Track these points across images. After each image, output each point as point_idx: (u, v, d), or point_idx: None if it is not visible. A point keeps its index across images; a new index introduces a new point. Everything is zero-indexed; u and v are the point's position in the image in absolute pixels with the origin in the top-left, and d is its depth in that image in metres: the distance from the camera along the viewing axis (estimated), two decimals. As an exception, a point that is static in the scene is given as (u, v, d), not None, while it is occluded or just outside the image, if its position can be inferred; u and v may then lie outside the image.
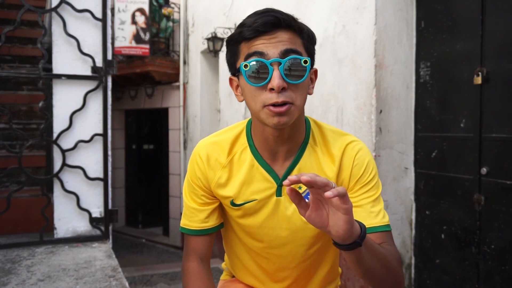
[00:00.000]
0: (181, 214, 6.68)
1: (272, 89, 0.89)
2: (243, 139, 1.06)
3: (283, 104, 0.90)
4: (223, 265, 1.30)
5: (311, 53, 0.97)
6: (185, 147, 6.50)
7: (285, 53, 0.89)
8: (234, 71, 0.98)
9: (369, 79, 2.72)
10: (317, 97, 3.19)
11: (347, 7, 2.87)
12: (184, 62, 6.48)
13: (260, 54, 0.90)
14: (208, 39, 4.93)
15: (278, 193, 1.03)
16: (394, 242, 1.02)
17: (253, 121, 1.04)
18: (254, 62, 0.90)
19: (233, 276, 1.27)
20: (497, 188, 2.28)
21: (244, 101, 1.00)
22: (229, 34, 4.95)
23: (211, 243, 1.13)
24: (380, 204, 1.03)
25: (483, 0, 2.34)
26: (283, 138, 0.99)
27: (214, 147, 1.06)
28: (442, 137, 2.63)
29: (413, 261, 2.87)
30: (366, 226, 0.97)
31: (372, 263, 0.87)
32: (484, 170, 2.33)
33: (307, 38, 0.96)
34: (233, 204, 1.05)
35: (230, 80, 1.02)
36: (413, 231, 2.85)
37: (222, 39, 4.88)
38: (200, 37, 5.55)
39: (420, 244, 2.81)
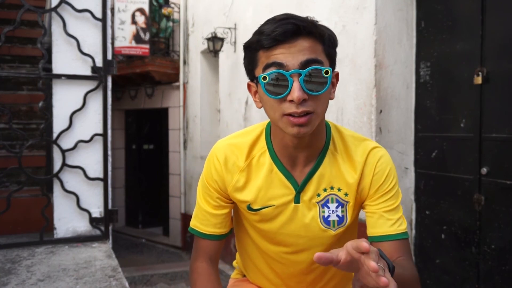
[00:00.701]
0: (181, 214, 6.66)
1: (291, 101, 0.87)
2: (262, 142, 1.04)
3: (303, 114, 0.88)
4: (234, 263, 1.29)
5: (332, 58, 0.94)
6: (185, 147, 6.50)
7: (305, 64, 0.87)
8: (252, 77, 0.96)
9: (369, 79, 2.72)
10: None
11: (347, 7, 2.87)
12: (184, 62, 6.48)
13: (279, 65, 0.87)
14: (208, 39, 4.93)
15: (296, 200, 1.01)
16: (410, 251, 1.01)
17: (272, 127, 1.02)
18: (273, 74, 0.87)
19: (244, 276, 1.25)
20: (497, 188, 2.28)
21: (261, 108, 0.97)
22: (230, 34, 4.94)
23: (221, 247, 1.12)
24: (399, 212, 1.01)
25: (483, 0, 2.34)
26: (303, 145, 0.98)
27: (233, 149, 1.04)
28: (442, 137, 2.63)
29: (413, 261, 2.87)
30: (382, 234, 0.98)
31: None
32: (484, 170, 2.33)
33: (328, 43, 0.93)
34: (250, 208, 1.03)
35: (248, 86, 1.00)
36: (413, 231, 2.85)
37: (222, 39, 4.88)
38: (200, 37, 5.55)
39: (420, 244, 2.81)
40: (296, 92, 0.85)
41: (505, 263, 2.24)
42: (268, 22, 0.91)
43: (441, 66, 2.64)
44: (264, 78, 0.87)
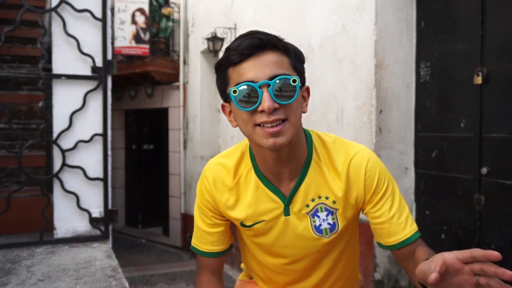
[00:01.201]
0: (181, 214, 6.67)
1: (263, 111, 0.88)
2: (247, 160, 1.05)
3: (276, 124, 0.89)
4: (242, 265, 1.31)
5: (300, 72, 0.96)
6: (185, 147, 6.50)
7: (273, 78, 0.89)
8: (226, 97, 0.97)
9: (369, 79, 2.72)
10: (317, 97, 3.19)
11: (347, 7, 2.87)
12: (184, 62, 6.48)
13: (248, 79, 0.89)
14: (208, 39, 4.93)
15: (286, 212, 1.02)
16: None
17: (251, 145, 1.03)
18: (243, 87, 0.89)
19: (251, 278, 1.27)
20: (497, 188, 2.28)
21: (237, 127, 0.98)
22: (230, 34, 4.92)
23: (222, 262, 1.15)
24: (405, 210, 1.01)
25: (483, 0, 2.34)
26: (283, 159, 0.98)
27: (221, 169, 1.06)
28: (442, 137, 2.63)
29: None
30: (400, 241, 0.98)
31: None
32: (484, 170, 2.33)
33: (294, 57, 0.94)
34: (243, 225, 1.06)
35: (223, 106, 1.01)
36: (413, 231, 2.85)
37: (222, 39, 4.88)
38: (200, 37, 5.55)
39: (420, 244, 2.81)
40: (266, 101, 0.87)
41: (505, 263, 2.24)
42: (235, 39, 0.94)
43: (441, 66, 2.63)
44: (235, 91, 0.89)
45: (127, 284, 1.64)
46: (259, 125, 0.90)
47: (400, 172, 2.79)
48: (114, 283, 1.63)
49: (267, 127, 0.89)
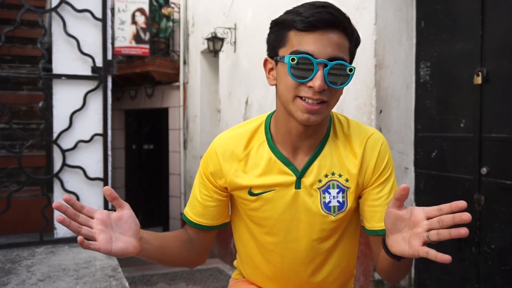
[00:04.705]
0: (181, 214, 6.65)
1: (311, 87, 0.89)
2: (261, 133, 1.05)
3: (317, 102, 0.90)
4: (235, 263, 1.28)
5: (353, 57, 0.97)
6: (185, 147, 6.51)
7: (333, 58, 0.89)
8: (274, 55, 0.96)
9: (369, 79, 2.72)
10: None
11: (347, 7, 2.87)
12: (184, 62, 6.48)
13: (309, 54, 0.89)
14: (208, 39, 4.93)
15: (297, 185, 1.02)
16: None
17: (277, 112, 1.03)
18: (302, 57, 0.88)
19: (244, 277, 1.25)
20: (497, 188, 2.28)
21: (274, 86, 0.98)
22: (230, 34, 4.92)
23: (208, 239, 1.13)
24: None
25: (483, 0, 2.34)
26: (307, 133, 0.99)
27: (231, 140, 1.05)
28: (442, 137, 2.63)
29: (413, 261, 2.86)
30: None
31: (406, 269, 0.97)
32: (484, 170, 2.33)
33: (354, 43, 0.96)
34: (251, 193, 1.03)
35: (265, 61, 1.00)
36: (413, 231, 2.85)
37: (222, 39, 4.88)
38: (200, 37, 5.55)
39: (420, 244, 2.81)
40: (318, 80, 0.88)
41: (505, 263, 2.24)
42: (305, 5, 0.92)
43: (441, 66, 2.64)
44: (293, 59, 0.89)
45: (127, 284, 1.64)
46: (301, 97, 0.91)
47: (400, 172, 2.79)
48: (114, 283, 1.63)
49: (308, 102, 0.90)
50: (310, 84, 0.89)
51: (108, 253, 0.87)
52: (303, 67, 0.89)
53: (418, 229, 0.80)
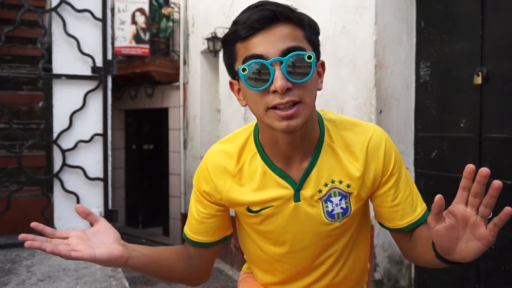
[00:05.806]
0: (181, 214, 6.65)
1: (275, 91, 0.81)
2: (251, 145, 0.98)
3: (290, 105, 0.82)
4: (245, 256, 1.23)
5: (314, 45, 0.89)
6: (185, 147, 6.50)
7: (286, 52, 0.81)
8: (233, 74, 0.90)
9: (369, 79, 2.72)
10: (317, 97, 3.19)
11: (347, 7, 2.87)
12: (184, 62, 6.48)
13: (259, 56, 0.81)
14: (208, 39, 4.94)
15: (296, 198, 0.95)
16: None
17: (260, 126, 0.96)
18: (252, 64, 0.81)
19: None
20: (497, 188, 2.28)
21: (247, 106, 0.91)
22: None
23: (211, 255, 1.08)
24: (414, 187, 1.01)
25: (483, 0, 2.34)
26: (296, 141, 0.92)
27: (222, 156, 0.99)
28: (442, 137, 2.63)
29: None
30: (412, 221, 0.98)
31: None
32: (484, 170, 2.33)
33: (308, 29, 0.87)
34: (249, 210, 0.98)
35: (231, 83, 0.94)
36: (413, 231, 2.85)
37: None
38: (200, 37, 5.55)
39: (420, 244, 2.81)
40: (278, 81, 0.80)
41: (505, 263, 2.24)
42: (243, 11, 0.86)
43: (441, 66, 2.64)
44: (244, 70, 0.82)
45: (127, 284, 1.64)
46: (272, 108, 0.83)
47: (400, 172, 2.79)
48: (114, 283, 1.63)
49: (279, 109, 0.82)
50: (272, 88, 0.81)
51: (93, 260, 0.82)
52: (258, 74, 0.81)
53: (471, 219, 0.78)
